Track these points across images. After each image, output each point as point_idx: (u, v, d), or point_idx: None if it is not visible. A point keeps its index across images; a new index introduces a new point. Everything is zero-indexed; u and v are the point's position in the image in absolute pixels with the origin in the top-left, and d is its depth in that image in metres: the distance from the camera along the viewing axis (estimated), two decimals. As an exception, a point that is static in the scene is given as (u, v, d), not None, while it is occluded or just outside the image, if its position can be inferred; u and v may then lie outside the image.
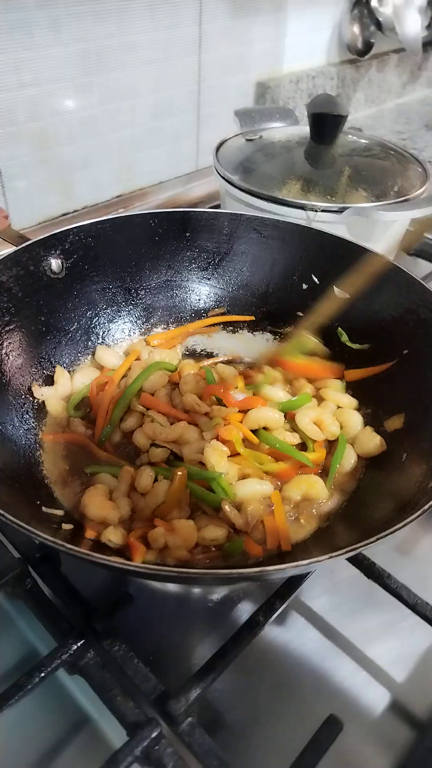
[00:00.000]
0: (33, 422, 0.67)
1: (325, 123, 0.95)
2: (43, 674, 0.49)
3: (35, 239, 0.71)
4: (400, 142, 1.54)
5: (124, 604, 0.54)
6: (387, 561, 0.60)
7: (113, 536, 0.54)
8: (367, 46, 1.57)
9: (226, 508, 0.58)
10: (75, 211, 1.07)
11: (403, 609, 0.57)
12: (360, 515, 0.59)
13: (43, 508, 0.56)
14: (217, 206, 1.15)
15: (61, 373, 0.72)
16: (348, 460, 0.65)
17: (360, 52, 1.56)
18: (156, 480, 0.60)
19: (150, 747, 0.47)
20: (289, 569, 0.41)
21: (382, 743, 0.54)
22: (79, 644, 0.52)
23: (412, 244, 0.74)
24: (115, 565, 0.40)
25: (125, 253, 0.78)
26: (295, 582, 0.56)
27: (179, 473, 0.59)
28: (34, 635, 0.58)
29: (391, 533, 0.43)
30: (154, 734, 0.47)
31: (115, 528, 0.55)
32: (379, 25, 1.51)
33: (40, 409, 0.70)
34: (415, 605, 0.55)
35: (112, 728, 0.52)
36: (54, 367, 0.73)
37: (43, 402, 0.70)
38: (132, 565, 0.44)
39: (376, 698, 0.56)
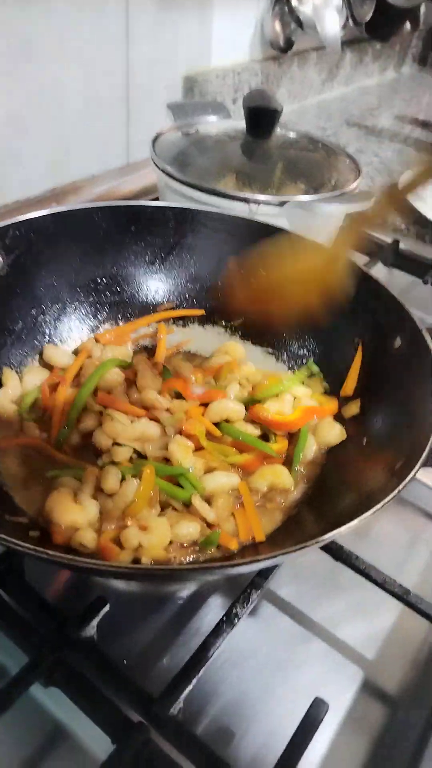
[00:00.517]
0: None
1: (261, 117, 0.96)
2: (20, 690, 0.47)
3: (-28, 235, 0.67)
4: (325, 137, 1.58)
5: (98, 609, 0.52)
6: (348, 543, 0.61)
7: (85, 540, 0.52)
8: (289, 43, 1.59)
9: (197, 502, 0.57)
10: (6, 206, 1.02)
11: (367, 589, 0.59)
12: (328, 501, 0.60)
13: (6, 517, 0.54)
14: (154, 200, 1.13)
15: (9, 375, 0.68)
16: (309, 449, 0.66)
17: (282, 49, 1.59)
18: (123, 479, 0.58)
19: (139, 752, 0.45)
20: (279, 556, 0.41)
21: (359, 722, 0.55)
22: (53, 655, 0.50)
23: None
24: (104, 568, 0.38)
25: (69, 248, 0.75)
26: (269, 570, 0.56)
27: (147, 471, 0.57)
28: (1, 651, 0.55)
29: (372, 513, 0.44)
30: (142, 739, 0.46)
31: (85, 531, 0.53)
32: (299, 23, 1.53)
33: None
34: (383, 583, 0.57)
35: (93, 738, 0.51)
36: (1, 369, 0.69)
37: (-7, 406, 0.66)
38: (122, 566, 0.43)
39: (350, 678, 0.58)
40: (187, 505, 0.58)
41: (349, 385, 0.70)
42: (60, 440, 0.64)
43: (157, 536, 0.53)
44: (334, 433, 0.67)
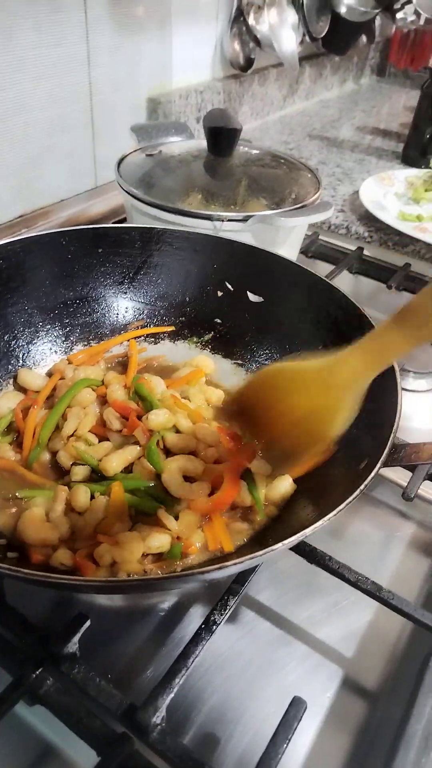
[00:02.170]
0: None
1: (221, 136, 0.99)
2: (4, 709, 0.48)
3: None
4: (288, 151, 1.62)
5: (79, 624, 0.53)
6: (324, 546, 0.63)
7: (63, 559, 0.53)
8: (249, 62, 1.64)
9: (161, 515, 0.59)
10: (-25, 233, 1.03)
11: (343, 590, 0.61)
12: (298, 507, 0.62)
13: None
14: (122, 221, 1.15)
15: (-18, 400, 0.70)
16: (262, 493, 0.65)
17: (242, 68, 1.63)
18: (93, 497, 0.60)
19: (124, 762, 0.46)
20: (246, 561, 0.43)
21: (341, 718, 0.57)
22: (36, 673, 0.51)
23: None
24: (79, 583, 0.40)
25: (38, 273, 0.77)
26: (244, 577, 0.58)
27: (115, 488, 0.59)
28: (-16, 673, 0.56)
29: (335, 514, 0.46)
30: (125, 749, 0.47)
31: (63, 550, 0.54)
32: (257, 42, 1.58)
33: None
34: (356, 582, 0.59)
35: (79, 753, 0.52)
36: (-26, 395, 0.71)
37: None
38: (96, 580, 0.44)
39: (330, 677, 0.60)
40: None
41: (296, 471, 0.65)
42: (31, 460, 0.66)
43: (130, 550, 0.54)
44: (283, 488, 0.65)
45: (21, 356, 0.77)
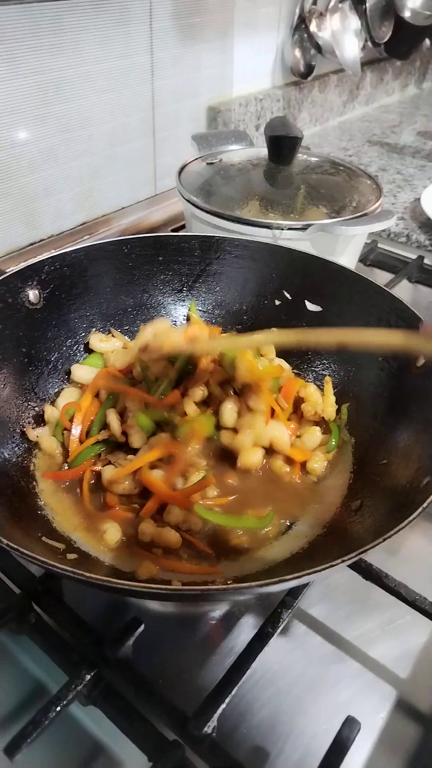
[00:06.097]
0: (22, 453, 0.67)
1: (282, 145, 0.99)
2: (58, 708, 0.49)
3: (11, 271, 0.71)
4: (347, 158, 1.60)
5: (134, 629, 0.54)
6: (378, 562, 0.62)
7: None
8: (309, 69, 1.63)
9: None
10: (41, 240, 1.07)
11: (399, 608, 0.59)
12: (354, 520, 0.61)
13: (44, 539, 0.56)
14: (181, 228, 1.17)
15: (51, 412, 0.72)
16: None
17: (302, 75, 1.62)
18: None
19: (175, 770, 0.47)
20: (304, 576, 0.43)
21: (392, 740, 0.55)
22: (91, 674, 0.51)
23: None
24: (138, 589, 0.40)
25: (100, 279, 0.79)
26: (298, 590, 0.57)
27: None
28: (41, 670, 0.58)
29: (396, 532, 0.45)
30: (177, 757, 0.47)
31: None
32: (319, 48, 1.57)
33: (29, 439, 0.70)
34: (414, 602, 0.58)
35: (131, 756, 0.52)
36: (39, 398, 0.73)
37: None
38: (154, 587, 0.44)
39: (383, 697, 0.58)
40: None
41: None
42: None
43: None
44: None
45: (81, 361, 0.79)
